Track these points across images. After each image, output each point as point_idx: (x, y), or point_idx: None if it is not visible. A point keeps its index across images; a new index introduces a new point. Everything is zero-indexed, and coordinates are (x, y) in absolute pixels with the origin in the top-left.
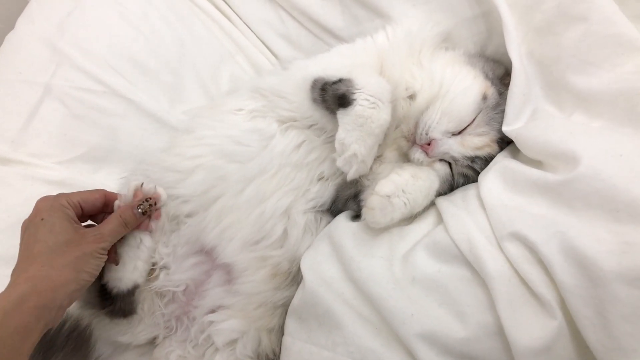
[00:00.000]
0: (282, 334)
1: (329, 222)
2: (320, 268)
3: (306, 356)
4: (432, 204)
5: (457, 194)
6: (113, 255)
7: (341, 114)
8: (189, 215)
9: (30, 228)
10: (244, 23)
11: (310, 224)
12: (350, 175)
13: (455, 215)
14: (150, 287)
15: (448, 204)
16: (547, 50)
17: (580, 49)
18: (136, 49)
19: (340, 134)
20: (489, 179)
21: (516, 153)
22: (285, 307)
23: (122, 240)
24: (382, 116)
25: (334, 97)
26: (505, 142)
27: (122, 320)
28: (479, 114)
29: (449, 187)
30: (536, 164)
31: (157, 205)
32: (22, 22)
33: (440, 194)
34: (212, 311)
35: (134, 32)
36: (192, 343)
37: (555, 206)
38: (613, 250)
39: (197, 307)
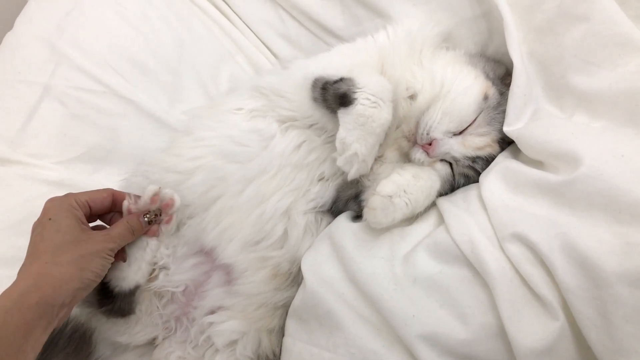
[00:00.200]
0: (283, 335)
1: (329, 223)
2: (320, 269)
3: (307, 357)
4: (433, 204)
5: (458, 195)
6: (122, 254)
7: (342, 113)
8: (189, 216)
9: (38, 228)
10: (244, 23)
11: (310, 224)
12: (351, 175)
13: (456, 216)
14: (149, 288)
15: (449, 205)
16: (548, 50)
17: (582, 49)
18: (136, 49)
19: (341, 133)
20: (490, 179)
21: (517, 153)
22: (285, 308)
23: None
24: (383, 115)
25: (335, 96)
26: (506, 143)
27: (120, 320)
28: (480, 114)
29: (450, 188)
30: (537, 164)
31: (170, 211)
32: (20, 22)
33: (441, 194)
34: (212, 312)
35: (134, 31)
36: (192, 344)
37: (556, 207)
38: (615, 251)
39: (196, 307)
